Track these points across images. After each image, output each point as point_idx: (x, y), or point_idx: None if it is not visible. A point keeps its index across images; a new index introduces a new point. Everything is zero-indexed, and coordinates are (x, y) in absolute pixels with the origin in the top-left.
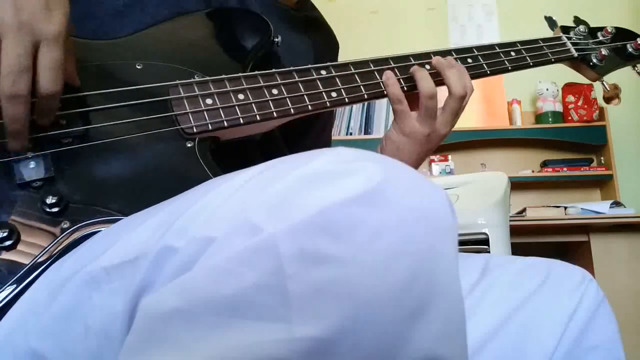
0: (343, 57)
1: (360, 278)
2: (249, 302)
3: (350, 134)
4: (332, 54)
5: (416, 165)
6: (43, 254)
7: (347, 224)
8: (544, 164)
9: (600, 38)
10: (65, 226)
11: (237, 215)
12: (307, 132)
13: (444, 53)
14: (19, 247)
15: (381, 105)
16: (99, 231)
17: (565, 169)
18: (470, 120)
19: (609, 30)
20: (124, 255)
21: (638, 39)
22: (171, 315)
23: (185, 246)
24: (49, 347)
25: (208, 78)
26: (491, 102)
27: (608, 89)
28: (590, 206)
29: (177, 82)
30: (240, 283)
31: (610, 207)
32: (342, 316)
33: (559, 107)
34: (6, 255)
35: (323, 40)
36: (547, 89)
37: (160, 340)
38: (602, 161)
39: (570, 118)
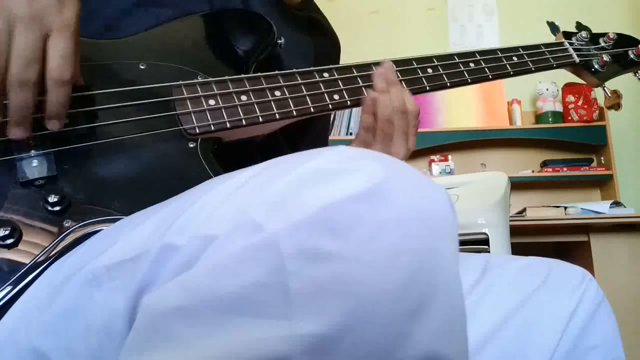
0: (343, 57)
1: (361, 275)
2: (251, 300)
3: (350, 134)
4: (333, 57)
5: None
6: (44, 253)
7: (348, 221)
8: (544, 164)
9: (602, 44)
10: (67, 225)
11: (239, 213)
12: (308, 131)
13: (446, 57)
14: (21, 245)
15: None
16: (101, 230)
17: (565, 169)
18: (470, 120)
19: (611, 37)
20: (125, 254)
21: (639, 46)
22: (173, 312)
23: (186, 244)
24: (50, 345)
25: (211, 79)
26: (491, 102)
27: (609, 95)
28: (590, 206)
29: (180, 82)
30: (242, 281)
31: (610, 207)
32: (343, 313)
33: (559, 107)
34: (8, 254)
35: (323, 42)
36: (547, 89)
37: (161, 337)
38: (602, 161)
39: (570, 118)
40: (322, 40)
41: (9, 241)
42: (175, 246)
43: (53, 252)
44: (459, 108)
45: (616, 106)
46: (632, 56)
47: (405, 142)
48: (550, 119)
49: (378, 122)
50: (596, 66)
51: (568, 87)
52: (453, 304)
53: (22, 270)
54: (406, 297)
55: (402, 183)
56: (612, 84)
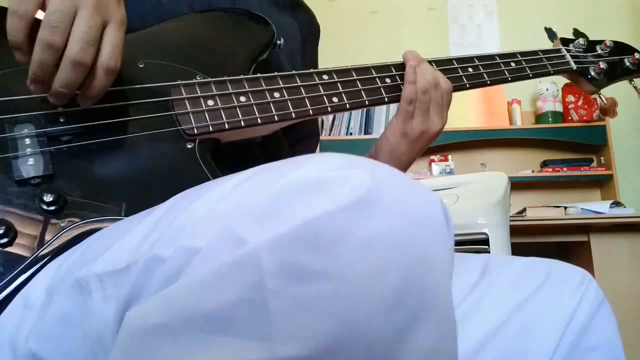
0: (343, 57)
1: (346, 294)
2: (230, 318)
3: (350, 134)
4: (315, 35)
5: (408, 164)
6: (40, 252)
7: (334, 236)
8: (544, 164)
9: (599, 51)
10: (63, 225)
11: (223, 225)
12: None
13: (444, 62)
14: (15, 244)
15: (381, 106)
16: (97, 229)
17: (565, 169)
18: (470, 120)
19: (608, 44)
20: (116, 263)
21: (636, 54)
22: (153, 329)
23: (172, 256)
24: (48, 350)
25: (210, 79)
26: (491, 102)
27: (605, 102)
28: (590, 206)
29: (179, 82)
30: (222, 298)
31: (610, 207)
32: (326, 334)
33: (559, 107)
34: (2, 253)
35: (307, 22)
36: (547, 89)
37: (142, 355)
38: (602, 161)
39: (570, 118)
40: (305, 19)
41: (4, 240)
42: (162, 258)
43: (48, 252)
44: (459, 108)
45: (612, 113)
46: (628, 64)
47: (442, 115)
48: (550, 119)
49: (417, 94)
50: (592, 73)
51: (568, 87)
52: (444, 322)
53: (17, 270)
54: (395, 315)
55: (390, 192)
56: (612, 87)
